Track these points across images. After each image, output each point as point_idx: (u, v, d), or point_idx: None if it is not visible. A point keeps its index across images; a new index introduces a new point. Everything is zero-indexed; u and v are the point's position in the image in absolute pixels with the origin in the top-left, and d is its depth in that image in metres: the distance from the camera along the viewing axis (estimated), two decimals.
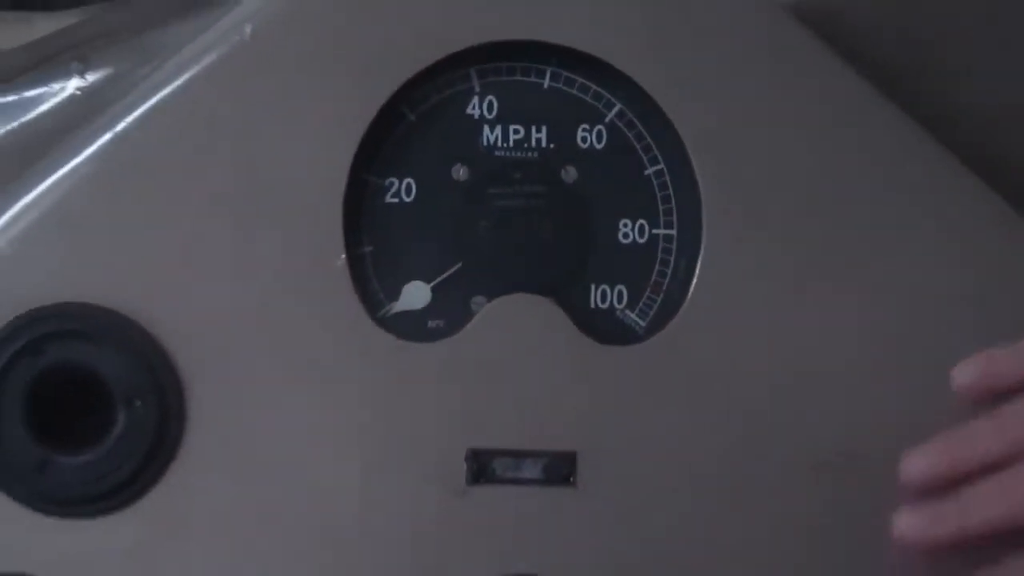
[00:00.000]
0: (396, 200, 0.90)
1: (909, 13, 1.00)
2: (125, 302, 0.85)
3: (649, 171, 0.91)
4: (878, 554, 0.91)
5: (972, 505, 0.86)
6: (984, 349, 0.88)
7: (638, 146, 0.91)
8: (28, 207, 0.85)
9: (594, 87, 0.91)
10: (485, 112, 0.91)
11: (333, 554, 0.87)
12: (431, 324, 0.90)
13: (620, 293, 0.91)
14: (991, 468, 0.86)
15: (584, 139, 0.91)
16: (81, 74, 0.93)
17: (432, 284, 0.90)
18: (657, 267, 0.91)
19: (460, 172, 0.90)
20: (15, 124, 0.93)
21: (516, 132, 0.91)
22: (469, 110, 0.90)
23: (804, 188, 0.91)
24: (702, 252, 0.89)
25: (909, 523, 0.86)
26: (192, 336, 0.86)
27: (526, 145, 0.91)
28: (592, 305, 0.91)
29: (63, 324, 0.84)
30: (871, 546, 0.91)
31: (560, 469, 0.87)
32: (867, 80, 0.94)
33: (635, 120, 0.91)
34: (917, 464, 0.86)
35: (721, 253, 0.90)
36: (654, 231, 0.91)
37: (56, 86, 0.94)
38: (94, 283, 0.85)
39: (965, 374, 0.87)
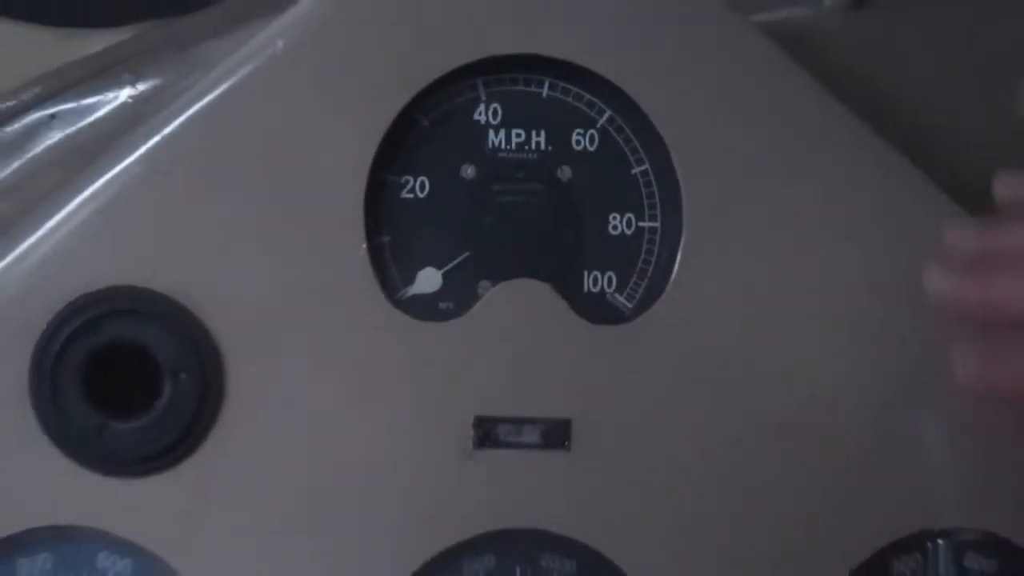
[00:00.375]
0: (411, 196, 0.92)
1: (862, 34, 1.01)
2: (172, 285, 0.87)
3: (636, 170, 0.94)
4: (827, 499, 0.92)
5: (998, 281, 0.83)
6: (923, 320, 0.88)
7: (626, 148, 0.94)
8: (85, 201, 0.88)
9: (587, 96, 0.94)
10: (490, 118, 0.94)
11: (357, 508, 0.89)
12: (442, 306, 0.92)
13: (610, 279, 0.93)
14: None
15: (578, 142, 0.94)
16: (132, 84, 0.97)
17: (443, 270, 0.92)
18: (643, 256, 0.94)
19: (468, 171, 0.93)
20: (74, 128, 0.96)
21: (518, 136, 0.94)
22: (476, 116, 0.93)
23: (771, 187, 0.93)
24: (682, 243, 0.92)
25: (938, 281, 0.86)
26: (231, 316, 0.88)
27: (526, 147, 0.94)
28: (585, 289, 0.93)
29: (116, 305, 0.87)
30: (823, 494, 0.92)
31: (556, 435, 0.90)
32: (825, 89, 0.95)
33: (623, 125, 0.94)
34: (958, 237, 0.88)
35: (699, 243, 0.92)
36: (640, 224, 0.94)
37: (110, 94, 0.97)
38: (144, 269, 0.88)
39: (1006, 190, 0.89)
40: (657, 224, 0.93)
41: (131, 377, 0.88)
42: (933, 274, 0.87)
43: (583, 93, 0.94)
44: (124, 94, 0.98)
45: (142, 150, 0.89)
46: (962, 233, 0.89)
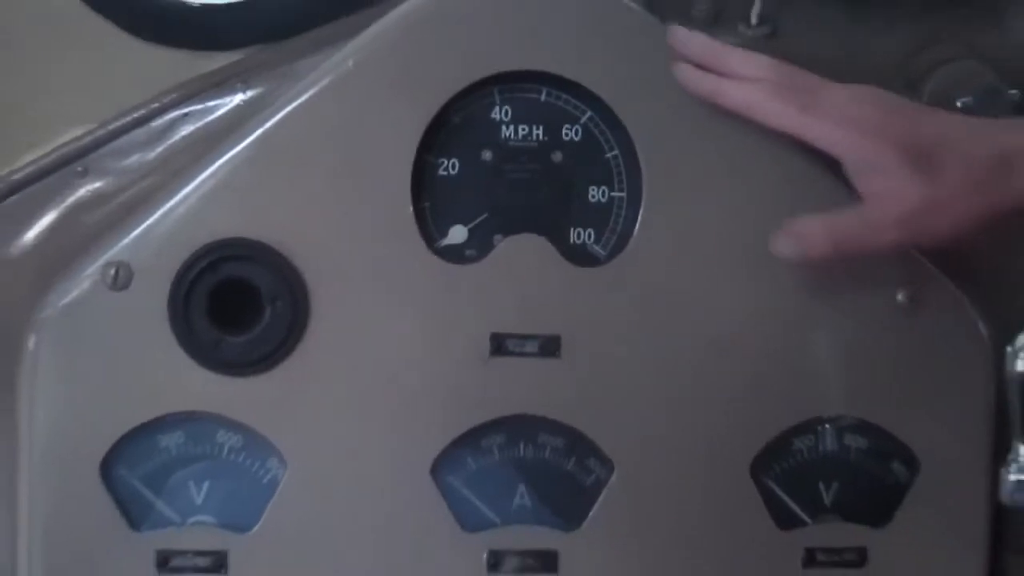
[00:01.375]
0: (445, 173, 0.98)
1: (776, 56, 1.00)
2: (271, 236, 0.93)
3: (609, 155, 0.99)
4: (749, 393, 0.99)
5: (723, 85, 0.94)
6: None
7: (602, 139, 0.99)
8: (208, 176, 0.93)
9: (574, 100, 0.99)
10: (503, 116, 0.99)
11: (405, 398, 0.95)
12: (467, 253, 0.98)
13: (590, 234, 1.00)
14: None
15: (567, 134, 0.99)
16: (243, 91, 1.00)
17: (468, 227, 0.98)
18: (613, 217, 1.00)
19: (486, 155, 0.99)
20: (201, 123, 1.00)
21: (523, 129, 0.99)
22: (492, 115, 0.99)
23: (708, 168, 0.98)
24: (642, 208, 0.98)
25: (685, 71, 0.95)
26: (313, 259, 0.94)
27: (529, 138, 0.99)
28: (571, 241, 0.99)
29: (230, 251, 0.93)
30: (746, 390, 0.99)
31: (550, 347, 0.97)
32: None
33: (600, 122, 0.99)
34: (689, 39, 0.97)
35: (655, 208, 0.97)
36: (612, 193, 0.99)
37: (227, 99, 1.00)
38: (251, 224, 0.94)
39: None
40: (624, 194, 0.99)
41: (241, 304, 0.93)
42: (681, 67, 0.96)
43: (571, 98, 0.99)
44: (237, 99, 1.01)
45: (250, 139, 0.94)
46: (699, 40, 0.97)
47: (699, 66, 0.95)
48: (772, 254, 0.96)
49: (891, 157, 0.86)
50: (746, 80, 0.93)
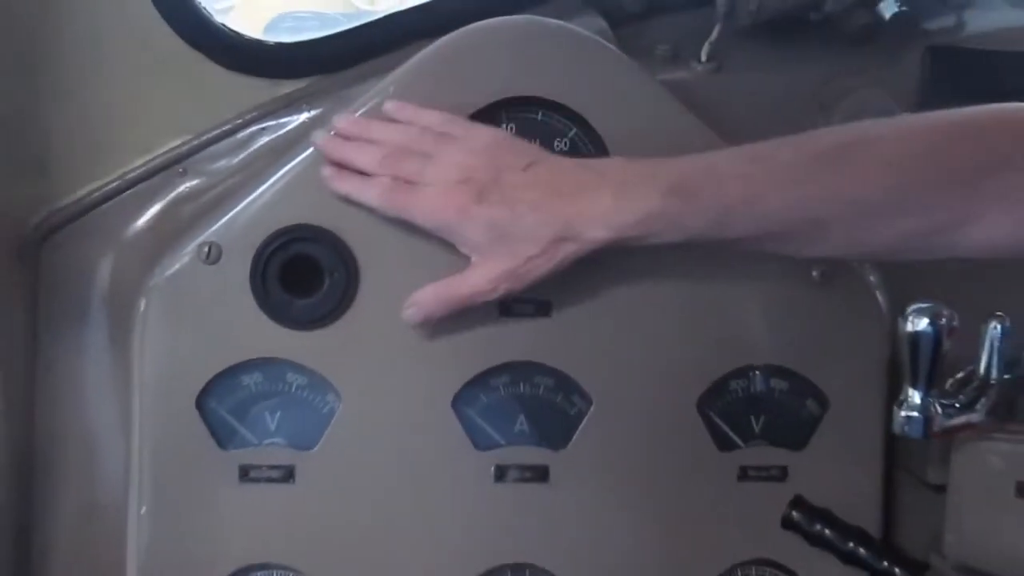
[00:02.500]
0: None
1: (720, 87, 1.06)
2: (329, 223, 0.95)
3: None
4: (697, 346, 1.01)
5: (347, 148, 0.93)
6: None
7: (584, 148, 0.99)
8: (280, 176, 0.96)
9: (563, 119, 0.99)
10: (509, 131, 0.98)
11: (428, 348, 0.97)
12: None
13: None
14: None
15: (557, 145, 0.99)
16: (308, 111, 1.02)
17: None
18: None
19: None
20: (274, 136, 1.02)
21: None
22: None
23: None
24: None
25: (320, 138, 0.94)
26: (362, 241, 0.95)
27: None
28: None
29: (297, 234, 0.95)
30: (695, 345, 1.01)
31: (543, 309, 0.99)
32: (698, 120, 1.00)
33: (583, 135, 0.99)
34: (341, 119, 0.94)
35: None
36: None
37: (295, 117, 1.03)
38: (313, 212, 0.95)
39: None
40: None
41: (306, 274, 0.96)
42: (319, 135, 0.94)
43: (560, 117, 0.99)
44: (303, 116, 1.03)
45: (312, 148, 0.95)
46: (345, 119, 0.95)
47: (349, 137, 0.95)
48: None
49: (477, 242, 0.89)
50: (376, 144, 0.93)
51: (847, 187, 0.83)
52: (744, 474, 1.03)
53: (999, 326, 0.89)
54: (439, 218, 0.90)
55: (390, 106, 0.94)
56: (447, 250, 0.94)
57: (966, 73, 1.07)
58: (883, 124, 0.90)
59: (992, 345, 0.89)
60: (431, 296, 0.92)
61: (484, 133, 0.93)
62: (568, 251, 0.87)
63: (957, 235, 0.83)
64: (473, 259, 0.91)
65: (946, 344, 0.86)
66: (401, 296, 0.95)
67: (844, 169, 0.83)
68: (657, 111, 1.00)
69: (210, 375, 0.97)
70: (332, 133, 0.94)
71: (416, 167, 0.90)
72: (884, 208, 0.83)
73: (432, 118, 0.93)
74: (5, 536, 0.99)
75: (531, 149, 0.92)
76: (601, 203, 0.86)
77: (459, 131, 0.92)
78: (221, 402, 0.98)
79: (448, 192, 0.89)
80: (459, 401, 1.00)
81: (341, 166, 0.93)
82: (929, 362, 0.87)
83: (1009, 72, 1.08)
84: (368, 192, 0.91)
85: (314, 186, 0.96)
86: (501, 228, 0.87)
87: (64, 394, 1.02)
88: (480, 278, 0.90)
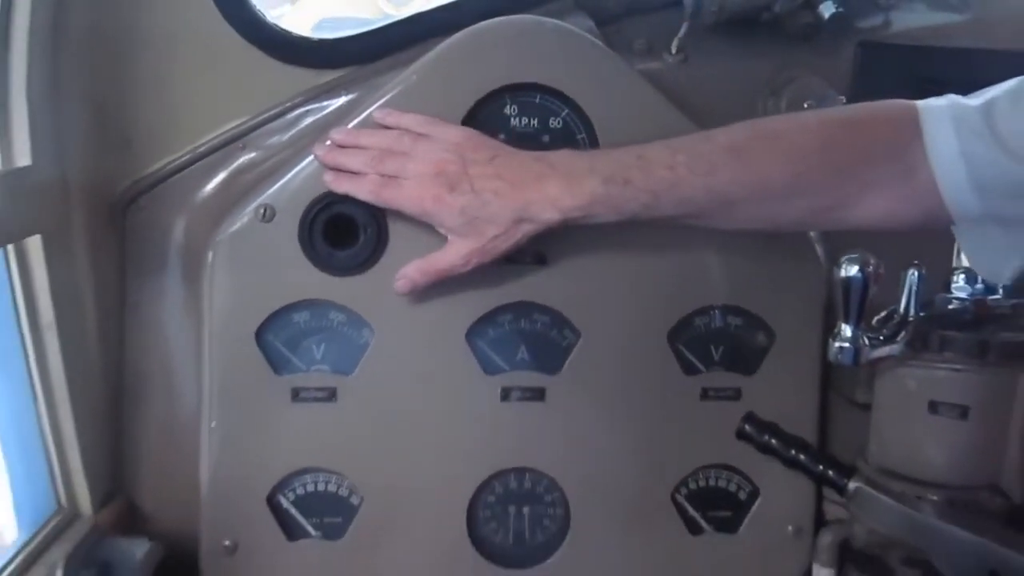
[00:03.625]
0: None
1: (688, 75, 1.04)
2: None
3: (579, 137, 0.99)
4: (664, 289, 1.01)
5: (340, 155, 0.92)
6: None
7: (574, 127, 0.99)
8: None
9: (557, 102, 0.98)
10: (512, 113, 0.98)
11: (444, 291, 0.96)
12: None
13: None
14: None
15: (552, 123, 0.99)
16: (346, 95, 1.00)
17: None
18: None
19: (501, 137, 0.96)
20: (318, 116, 1.00)
21: (524, 121, 0.98)
22: (505, 111, 0.98)
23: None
24: None
25: (320, 149, 0.94)
26: None
27: (528, 126, 0.98)
28: None
29: (337, 197, 0.94)
30: (662, 287, 1.01)
31: (540, 258, 0.99)
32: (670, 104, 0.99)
33: (573, 114, 0.98)
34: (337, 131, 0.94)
35: None
36: None
37: (335, 101, 1.00)
38: None
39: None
40: None
41: (345, 230, 0.96)
42: (319, 147, 0.94)
43: (555, 100, 0.98)
44: (342, 100, 1.01)
45: (350, 125, 0.95)
46: (339, 131, 0.94)
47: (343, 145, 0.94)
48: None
49: (451, 225, 0.90)
50: (364, 149, 0.93)
51: (753, 175, 0.86)
52: (705, 394, 1.04)
53: (916, 273, 0.91)
54: (419, 207, 0.90)
55: (379, 114, 0.95)
56: None
57: (891, 64, 1.06)
58: (787, 119, 0.94)
59: (911, 288, 0.91)
60: (415, 270, 0.93)
61: (454, 132, 0.93)
62: (526, 230, 0.89)
63: (843, 214, 0.86)
64: (449, 238, 0.91)
65: (872, 288, 0.87)
66: (422, 248, 0.94)
67: (751, 160, 0.86)
68: (635, 95, 0.99)
69: (266, 314, 0.97)
70: (328, 144, 0.94)
71: (397, 165, 0.91)
72: (783, 192, 0.86)
73: (411, 121, 0.94)
74: (102, 447, 0.98)
75: (493, 144, 0.93)
76: (552, 190, 0.88)
77: (434, 131, 0.93)
78: (276, 336, 0.98)
79: (424, 184, 0.90)
80: (471, 334, 1.00)
81: (339, 170, 0.93)
82: (859, 302, 0.87)
83: (927, 64, 1.07)
84: (361, 189, 0.92)
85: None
86: (470, 213, 0.89)
87: (147, 331, 1.01)
88: (454, 255, 0.91)
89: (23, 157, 0.84)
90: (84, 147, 0.95)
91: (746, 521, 1.07)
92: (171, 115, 1.00)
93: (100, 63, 0.95)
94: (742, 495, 1.07)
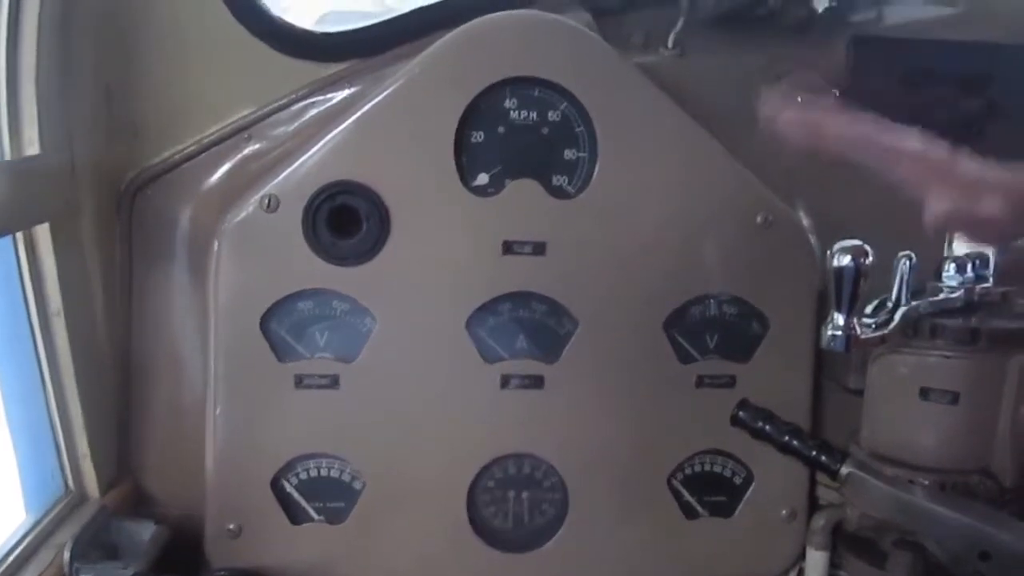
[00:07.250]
0: (475, 141, 0.97)
1: (684, 69, 1.04)
2: (367, 179, 0.95)
3: (577, 129, 0.99)
4: (665, 281, 1.00)
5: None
6: None
7: (573, 119, 0.99)
8: (327, 141, 0.95)
9: (555, 94, 0.98)
10: (511, 105, 0.98)
11: (445, 280, 0.98)
12: (488, 190, 0.98)
13: (565, 179, 0.99)
14: None
15: (551, 116, 0.99)
16: (349, 88, 1.00)
17: (489, 174, 0.98)
18: (579, 169, 0.99)
19: (501, 130, 0.98)
20: (322, 108, 1.00)
21: (523, 113, 0.98)
22: (505, 104, 0.98)
23: (644, 142, 0.98)
24: (598, 163, 0.98)
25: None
26: (393, 193, 0.95)
27: (528, 119, 0.99)
28: (553, 184, 0.99)
29: (340, 188, 0.95)
30: (665, 279, 1.00)
31: (539, 248, 0.98)
32: (667, 97, 0.99)
33: (572, 108, 0.98)
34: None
35: (606, 164, 0.98)
36: (579, 154, 0.99)
37: (338, 93, 1.01)
38: (354, 171, 0.95)
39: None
40: (586, 154, 0.99)
41: (348, 220, 0.95)
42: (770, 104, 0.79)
43: (554, 93, 0.98)
44: (345, 92, 1.01)
45: (353, 118, 0.96)
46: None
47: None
48: (689, 204, 0.98)
49: None
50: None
51: None
52: (701, 382, 1.03)
53: (908, 262, 0.90)
54: None
55: None
56: (463, 201, 0.96)
57: (883, 57, 1.06)
58: None
59: (902, 277, 0.90)
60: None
61: None
62: None
63: None
64: None
65: (865, 276, 0.86)
66: (423, 239, 0.95)
67: None
68: (632, 88, 0.99)
69: (271, 302, 0.97)
70: None
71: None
72: None
73: None
74: (109, 429, 0.99)
75: None
76: None
77: None
78: (280, 324, 0.98)
79: None
80: (471, 323, 0.99)
81: None
82: (851, 291, 0.87)
83: (920, 57, 1.06)
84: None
85: (354, 149, 0.95)
86: None
87: (154, 316, 1.01)
88: None
89: (32, 146, 0.84)
90: (92, 136, 0.95)
91: (741, 505, 1.06)
92: (179, 106, 1.00)
93: (108, 54, 0.95)
94: (737, 480, 1.06)
